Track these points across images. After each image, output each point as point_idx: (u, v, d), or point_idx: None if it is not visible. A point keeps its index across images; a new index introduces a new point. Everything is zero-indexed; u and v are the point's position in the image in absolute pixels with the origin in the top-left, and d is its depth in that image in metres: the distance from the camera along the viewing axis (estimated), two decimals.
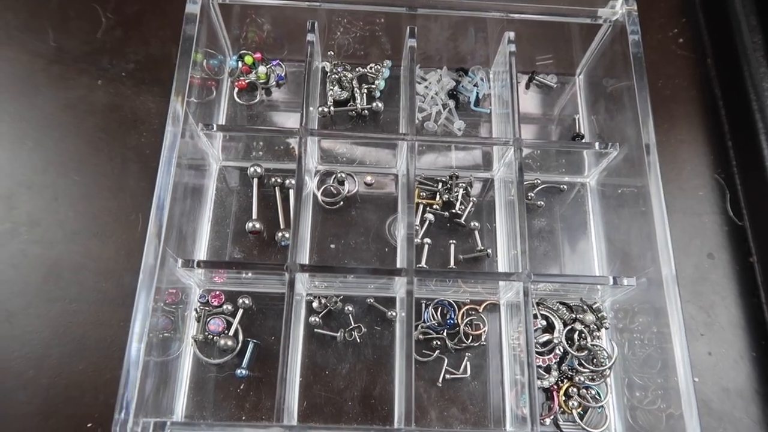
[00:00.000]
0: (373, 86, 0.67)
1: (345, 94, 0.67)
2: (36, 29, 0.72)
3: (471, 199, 0.63)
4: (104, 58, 0.71)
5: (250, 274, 0.57)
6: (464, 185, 0.63)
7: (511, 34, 0.65)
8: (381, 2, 0.62)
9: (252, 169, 0.63)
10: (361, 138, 0.60)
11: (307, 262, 0.60)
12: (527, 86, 0.71)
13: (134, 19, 0.73)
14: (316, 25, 0.63)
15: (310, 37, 0.63)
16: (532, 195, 0.64)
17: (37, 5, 0.73)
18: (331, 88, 0.67)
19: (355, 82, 0.67)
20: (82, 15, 0.73)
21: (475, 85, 0.68)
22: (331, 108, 0.66)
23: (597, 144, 0.60)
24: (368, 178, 0.64)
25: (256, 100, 0.67)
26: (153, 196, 0.62)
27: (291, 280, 0.52)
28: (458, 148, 0.66)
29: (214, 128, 0.58)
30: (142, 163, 0.66)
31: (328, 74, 0.68)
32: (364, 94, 0.67)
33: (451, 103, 0.67)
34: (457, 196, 0.63)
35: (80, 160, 0.66)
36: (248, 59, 0.67)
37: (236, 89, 0.68)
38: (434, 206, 0.63)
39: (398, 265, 0.60)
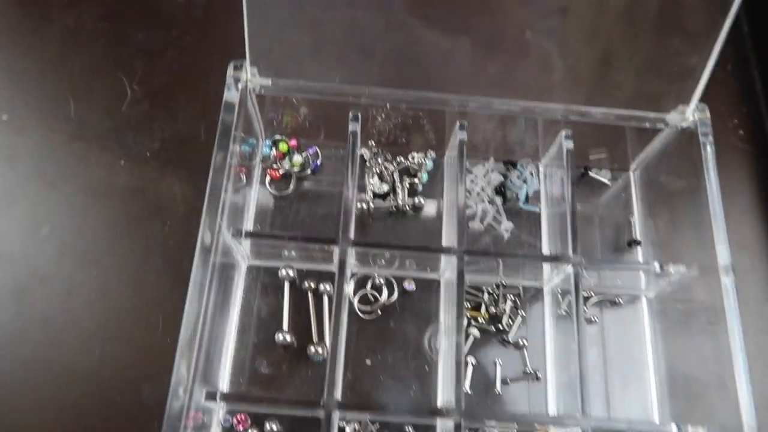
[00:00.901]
0: (416, 180, 0.64)
1: (385, 187, 0.64)
2: (58, 100, 0.69)
3: (520, 312, 0.60)
4: (128, 135, 0.68)
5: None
6: (513, 297, 0.60)
7: (567, 131, 0.61)
8: (429, 101, 0.58)
9: (284, 272, 0.60)
10: (404, 249, 0.56)
11: (341, 379, 0.57)
12: (577, 181, 0.68)
13: (162, 91, 0.71)
14: (359, 116, 0.60)
15: (352, 127, 0.60)
16: (585, 309, 0.61)
17: (59, 72, 0.71)
18: (371, 180, 0.64)
19: (396, 174, 0.64)
20: (106, 85, 0.70)
21: (524, 181, 0.65)
22: (370, 203, 0.63)
23: (656, 265, 0.57)
24: (408, 284, 0.61)
25: (289, 190, 0.64)
26: (175, 293, 0.60)
27: (327, 415, 0.49)
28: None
29: (243, 235, 0.55)
30: (165, 256, 0.63)
31: (367, 163, 0.65)
32: (406, 188, 0.64)
33: (498, 201, 0.64)
34: (505, 309, 0.59)
35: (98, 251, 0.62)
36: (283, 146, 0.64)
37: (268, 177, 0.65)
38: (479, 319, 0.59)
39: (440, 392, 0.57)
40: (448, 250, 0.56)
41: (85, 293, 0.61)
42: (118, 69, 0.71)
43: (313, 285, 0.60)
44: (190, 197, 0.65)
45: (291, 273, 0.60)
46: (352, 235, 0.55)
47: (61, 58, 0.72)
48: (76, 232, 0.63)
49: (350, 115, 0.59)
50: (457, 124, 0.59)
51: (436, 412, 0.51)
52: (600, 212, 0.66)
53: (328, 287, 0.60)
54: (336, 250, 0.56)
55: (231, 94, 0.56)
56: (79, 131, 0.68)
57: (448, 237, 0.62)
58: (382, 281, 0.60)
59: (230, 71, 0.55)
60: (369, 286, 0.61)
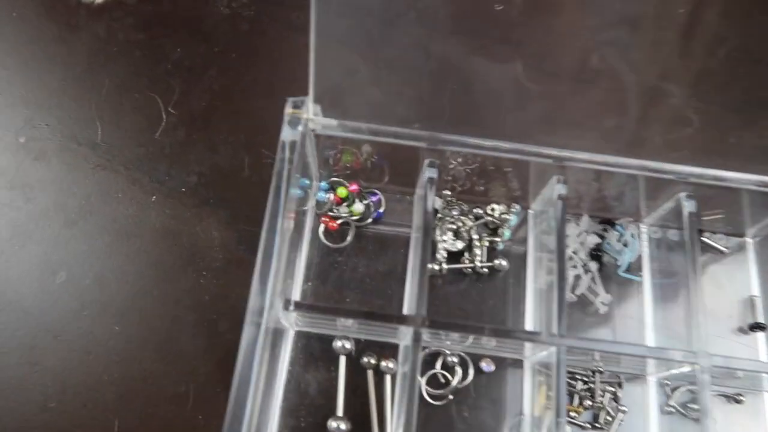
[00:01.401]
0: (497, 239, 0.55)
1: (460, 245, 0.55)
2: (83, 122, 0.62)
3: (621, 408, 0.51)
4: (161, 166, 0.60)
5: None
6: (612, 390, 0.51)
7: (688, 191, 0.52)
8: (520, 151, 0.50)
9: (339, 344, 0.51)
10: (489, 332, 0.47)
11: None
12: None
13: (201, 116, 0.63)
14: (437, 163, 0.51)
15: (430, 173, 0.51)
16: (696, 405, 0.52)
17: (86, 89, 0.63)
18: (444, 236, 0.55)
19: (474, 232, 0.55)
20: (138, 107, 0.62)
21: (624, 245, 0.56)
22: (443, 264, 0.54)
23: None
24: (486, 365, 0.52)
25: (346, 242, 0.56)
26: (209, 360, 0.52)
27: None
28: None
29: (292, 307, 0.46)
30: (199, 314, 0.54)
31: (440, 215, 0.56)
32: (485, 247, 0.55)
33: (594, 266, 0.55)
34: (603, 402, 0.50)
35: (122, 304, 0.54)
36: (342, 192, 0.56)
37: (322, 226, 0.56)
38: (571, 413, 0.50)
39: None
40: (538, 336, 0.47)
41: (105, 353, 0.53)
42: (153, 89, 0.63)
43: (373, 361, 0.51)
44: (230, 243, 0.57)
45: (348, 345, 0.51)
46: (424, 310, 0.47)
47: (88, 72, 0.64)
48: (97, 281, 0.55)
49: (426, 162, 0.51)
50: (554, 178, 0.51)
51: None
52: (714, 284, 0.57)
53: (391, 365, 0.51)
54: (403, 330, 0.48)
55: (290, 134, 0.48)
56: (105, 159, 0.60)
57: (537, 314, 0.54)
58: (454, 360, 0.52)
59: (288, 108, 0.47)
60: (439, 364, 0.52)
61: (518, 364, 0.53)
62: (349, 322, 0.50)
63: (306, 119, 0.47)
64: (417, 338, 0.46)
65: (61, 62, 0.65)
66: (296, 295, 0.54)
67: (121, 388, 0.52)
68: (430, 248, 0.49)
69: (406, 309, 0.53)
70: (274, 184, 0.46)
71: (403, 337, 0.51)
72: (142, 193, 0.59)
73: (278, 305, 0.46)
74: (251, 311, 0.43)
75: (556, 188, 0.50)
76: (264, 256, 0.44)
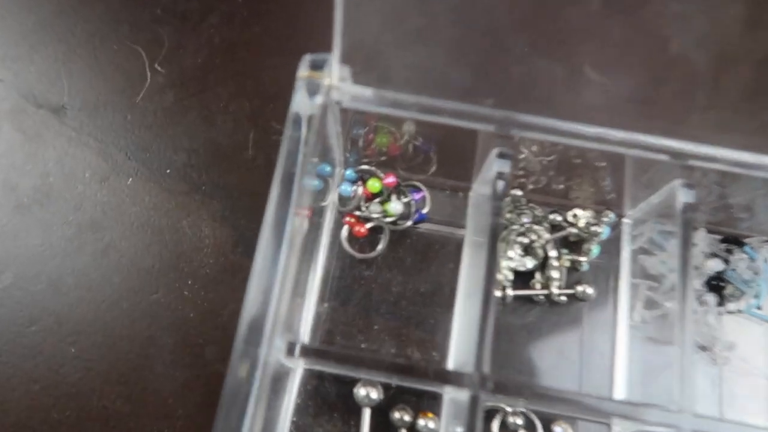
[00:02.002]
0: (581, 258, 0.42)
1: (531, 264, 0.42)
2: (46, 79, 0.49)
3: None
4: (141, 140, 0.47)
5: None
6: None
7: None
8: (626, 143, 0.36)
9: (363, 393, 0.39)
10: (578, 408, 0.34)
11: None
12: None
13: (195, 77, 0.49)
14: (509, 154, 0.38)
15: (500, 166, 0.38)
16: None
17: (52, 41, 0.51)
18: (508, 251, 0.42)
19: (551, 247, 0.42)
20: (116, 63, 0.49)
21: (755, 273, 0.42)
22: (507, 289, 0.41)
23: None
24: (562, 429, 0.39)
25: (377, 252, 0.43)
26: (191, 394, 0.40)
27: None
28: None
29: (298, 352, 0.34)
30: (180, 336, 0.42)
31: (504, 222, 0.43)
32: (564, 268, 0.42)
33: (712, 300, 0.42)
34: None
35: (82, 319, 0.42)
36: (374, 185, 0.43)
37: (346, 229, 0.44)
38: None
39: None
40: (650, 412, 0.34)
41: (56, 383, 0.40)
42: (136, 39, 0.50)
43: (408, 417, 0.39)
44: (224, 244, 0.45)
45: (374, 395, 0.39)
46: (487, 366, 0.34)
47: (56, 16, 0.51)
48: (51, 286, 0.42)
49: (495, 151, 0.37)
50: (678, 181, 0.37)
51: None
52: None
53: (432, 425, 0.39)
54: (451, 392, 0.35)
55: (305, 105, 0.35)
56: (71, 128, 0.47)
57: (635, 365, 0.41)
58: (518, 421, 0.39)
59: (304, 69, 0.34)
60: (496, 425, 0.40)
61: (605, 429, 0.40)
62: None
63: (328, 86, 0.34)
64: (474, 405, 0.33)
65: (23, 2, 0.52)
66: (308, 320, 0.42)
67: (74, 430, 0.40)
68: (495, 270, 0.36)
69: (456, 358, 0.40)
70: (281, 170, 0.34)
71: (450, 389, 0.38)
72: (115, 173, 0.47)
73: (279, 345, 0.34)
74: (241, 343, 0.31)
75: (679, 194, 0.36)
76: (263, 268, 0.32)
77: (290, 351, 0.33)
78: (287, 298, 0.34)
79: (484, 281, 0.35)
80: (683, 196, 0.36)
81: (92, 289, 0.43)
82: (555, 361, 0.42)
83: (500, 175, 0.37)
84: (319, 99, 0.33)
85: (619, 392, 0.42)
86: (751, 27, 0.34)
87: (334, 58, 0.34)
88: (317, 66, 0.35)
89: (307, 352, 0.33)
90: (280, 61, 0.51)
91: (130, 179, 0.46)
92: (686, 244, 0.37)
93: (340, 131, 0.41)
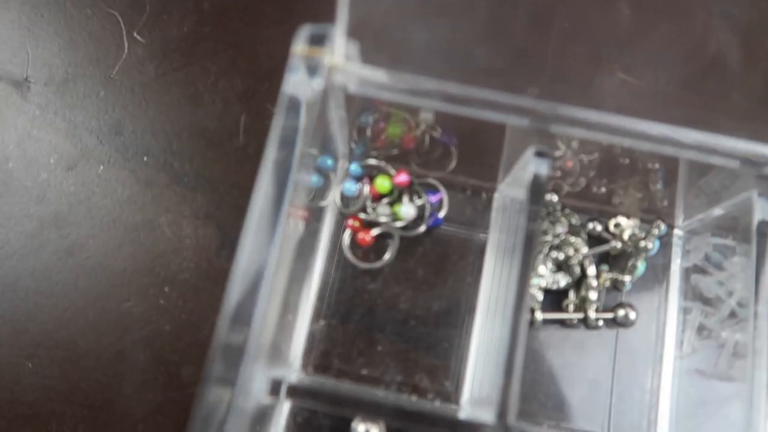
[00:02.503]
0: (625, 277, 0.36)
1: (564, 282, 0.36)
2: (7, 48, 0.42)
3: None
4: (116, 120, 0.42)
5: None
6: None
7: None
8: (687, 145, 0.29)
9: (361, 428, 0.34)
10: None
11: None
12: None
13: (180, 48, 0.43)
14: (548, 153, 0.32)
15: (538, 167, 0.31)
16: None
17: (13, 3, 0.45)
18: (539, 268, 0.36)
19: (589, 262, 0.36)
20: (89, 30, 0.43)
21: None
22: (538, 314, 0.35)
23: None
24: None
25: (384, 261, 0.38)
26: (159, 429, 0.35)
27: None
28: None
29: (282, 394, 0.28)
30: (154, 352, 0.36)
31: (540, 233, 0.36)
32: (603, 288, 0.36)
33: None
34: None
35: (41, 329, 0.37)
36: (382, 184, 0.37)
37: (349, 234, 0.38)
38: None
39: None
40: None
41: (9, 403, 0.35)
42: (113, 2, 0.44)
43: None
44: (207, 246, 0.39)
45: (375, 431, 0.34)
46: (513, 414, 0.28)
47: None
48: (7, 290, 0.37)
49: (532, 150, 0.31)
50: (754, 192, 0.31)
51: None
52: None
53: None
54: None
55: (299, 85, 0.28)
56: (34, 105, 0.41)
57: (682, 406, 0.35)
58: None
59: (300, 44, 0.28)
60: None
61: None
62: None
63: (331, 66, 0.28)
64: None
65: None
66: (300, 340, 0.36)
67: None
68: (528, 287, 0.30)
69: (476, 388, 0.34)
70: (271, 161, 0.28)
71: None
72: (84, 159, 0.41)
73: (260, 384, 0.28)
74: (212, 378, 0.26)
75: (757, 210, 0.30)
76: (245, 279, 0.26)
77: (274, 391, 0.28)
78: (274, 318, 0.28)
79: (513, 303, 0.29)
80: (762, 212, 0.30)
81: (54, 295, 0.38)
82: (588, 394, 0.36)
83: (537, 178, 0.31)
84: (317, 82, 0.27)
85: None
86: None
87: (339, 31, 0.28)
88: (318, 40, 0.29)
89: (296, 392, 0.28)
90: (278, 32, 0.44)
91: (102, 167, 0.40)
92: (762, 263, 0.31)
93: (344, 117, 0.35)
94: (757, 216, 0.30)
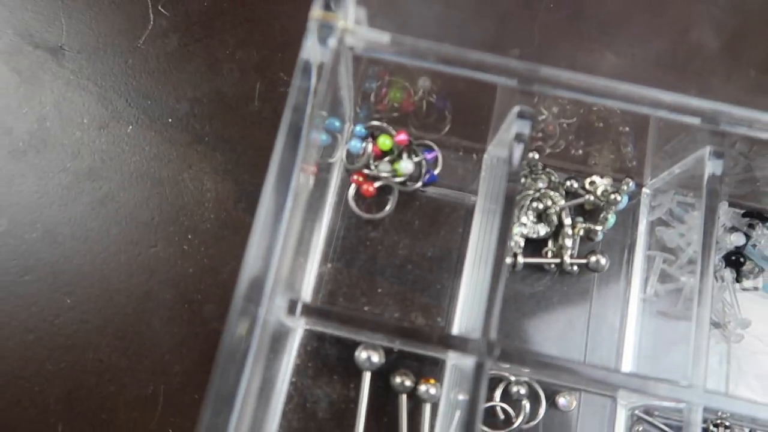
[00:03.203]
0: (597, 227, 0.40)
1: (543, 231, 0.40)
2: (44, 18, 0.46)
3: None
4: (143, 86, 0.45)
5: None
6: None
7: None
8: (656, 102, 0.33)
9: (364, 356, 0.38)
10: (585, 381, 0.33)
11: None
12: None
13: (201, 21, 0.46)
14: (530, 113, 0.36)
15: (520, 126, 0.35)
16: None
17: None
18: (522, 216, 0.40)
19: (565, 214, 0.40)
20: (117, 3, 0.47)
21: None
22: (519, 256, 0.40)
23: None
24: (564, 401, 0.38)
25: (385, 213, 0.42)
26: (188, 355, 0.39)
27: None
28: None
29: (299, 311, 0.33)
30: (178, 292, 0.41)
31: (522, 188, 0.41)
32: (578, 237, 0.40)
33: (729, 276, 0.40)
34: None
35: (78, 270, 0.41)
36: (385, 142, 0.41)
37: (353, 188, 0.42)
38: None
39: None
40: (662, 387, 0.32)
41: (50, 335, 0.39)
42: None
43: (409, 382, 0.38)
44: (226, 199, 0.43)
45: (375, 359, 0.38)
46: (494, 332, 0.32)
47: None
48: (46, 235, 0.41)
49: (515, 110, 0.35)
50: (707, 149, 0.35)
51: None
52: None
53: (433, 390, 0.38)
54: (455, 359, 0.34)
55: (317, 50, 0.32)
56: (69, 71, 0.45)
57: (646, 340, 0.39)
58: (521, 390, 0.38)
59: (317, 9, 0.32)
60: (498, 394, 0.39)
61: (609, 403, 0.39)
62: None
63: (342, 29, 0.32)
64: (479, 372, 0.32)
65: None
66: (310, 280, 0.40)
67: (68, 383, 0.39)
68: (509, 237, 0.34)
69: (463, 323, 0.39)
70: (287, 122, 0.32)
71: (455, 355, 0.37)
72: (114, 120, 0.44)
73: (280, 304, 0.33)
74: (240, 300, 0.29)
75: (708, 165, 0.34)
76: (265, 224, 0.30)
77: (291, 310, 0.32)
78: (290, 257, 0.32)
79: (496, 248, 0.33)
80: (711, 167, 0.34)
81: (89, 240, 0.42)
82: (563, 331, 0.41)
83: (519, 137, 0.35)
84: (332, 42, 0.31)
85: (627, 366, 0.41)
86: None
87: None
88: (331, 7, 0.33)
89: (309, 311, 0.32)
90: (292, 7, 0.48)
91: (130, 127, 0.44)
92: (710, 216, 0.35)
93: (351, 84, 0.39)
94: (708, 170, 0.34)
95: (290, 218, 0.32)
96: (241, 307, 0.30)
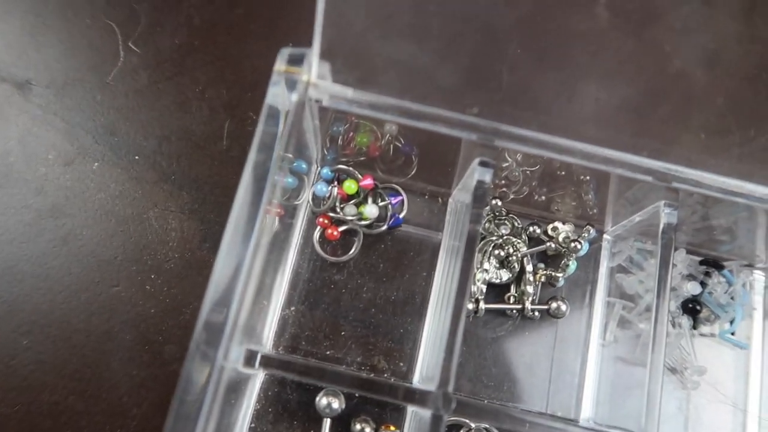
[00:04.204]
0: (558, 274, 0.41)
1: (506, 276, 0.41)
2: (12, 52, 0.46)
3: None
4: (111, 122, 0.45)
5: None
6: None
7: None
8: (612, 162, 0.34)
9: (324, 402, 0.37)
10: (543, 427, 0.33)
11: None
12: None
13: (171, 59, 0.46)
14: (492, 164, 0.36)
15: (482, 174, 0.36)
16: None
17: (19, 11, 0.47)
18: (485, 262, 0.40)
19: (528, 260, 0.40)
20: (88, 38, 0.46)
21: (732, 298, 0.41)
22: (481, 302, 0.40)
23: None
24: None
25: (349, 256, 0.41)
26: (143, 401, 0.38)
27: None
28: None
29: (257, 363, 0.32)
30: (139, 333, 0.40)
31: (483, 232, 0.41)
32: (539, 283, 0.41)
33: (686, 322, 0.41)
34: None
35: (36, 310, 0.40)
36: (349, 186, 0.41)
37: (319, 231, 0.42)
38: None
39: None
40: None
41: (5, 376, 0.38)
42: (111, 14, 0.47)
43: (368, 430, 0.38)
44: (191, 239, 0.42)
45: (335, 404, 0.37)
46: (451, 385, 0.32)
47: None
48: (6, 273, 0.40)
49: (477, 160, 0.36)
50: (662, 202, 0.36)
51: None
52: None
53: None
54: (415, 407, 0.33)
55: (278, 98, 0.32)
56: (36, 105, 0.44)
57: (607, 386, 0.40)
58: None
59: (281, 63, 0.32)
60: None
61: None
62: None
63: (306, 83, 0.32)
64: (436, 423, 0.32)
65: None
66: (273, 323, 0.40)
67: (23, 425, 0.38)
68: (470, 283, 0.34)
69: (425, 368, 0.39)
70: (251, 165, 0.32)
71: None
72: (80, 157, 0.44)
73: (237, 354, 0.32)
74: (195, 349, 0.29)
75: (663, 216, 0.35)
76: (225, 271, 0.30)
77: (249, 361, 0.31)
78: (249, 303, 0.32)
79: (455, 294, 0.33)
80: (666, 217, 0.35)
81: (49, 278, 0.41)
82: (525, 376, 0.41)
83: (481, 184, 0.36)
84: (294, 96, 0.31)
85: (587, 411, 0.41)
86: (748, 43, 0.32)
87: (314, 53, 0.32)
88: (296, 60, 0.33)
89: (269, 362, 0.31)
90: (262, 47, 0.48)
91: (96, 164, 0.44)
92: (665, 264, 0.35)
93: (318, 127, 0.39)
94: (663, 220, 0.35)
95: (251, 263, 0.31)
96: (197, 356, 0.30)
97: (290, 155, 0.35)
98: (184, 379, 0.29)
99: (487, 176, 0.36)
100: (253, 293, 0.32)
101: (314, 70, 0.31)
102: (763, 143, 0.31)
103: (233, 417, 0.37)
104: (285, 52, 0.32)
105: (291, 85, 0.32)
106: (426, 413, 0.32)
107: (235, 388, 0.35)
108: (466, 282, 0.33)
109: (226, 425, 0.35)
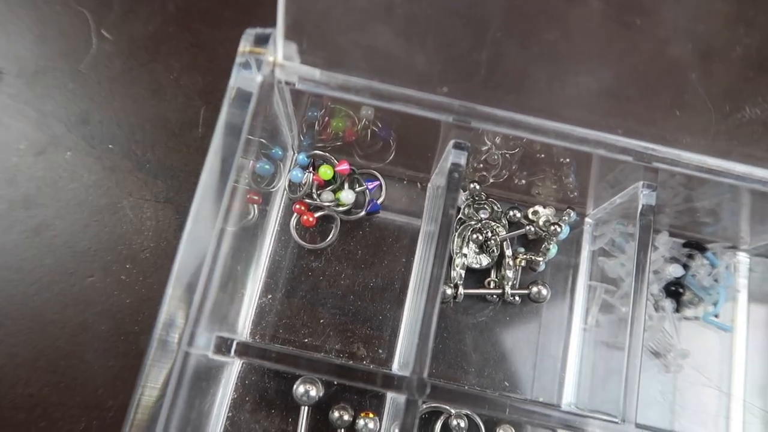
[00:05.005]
0: (539, 258, 0.40)
1: (486, 261, 0.40)
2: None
3: None
4: (83, 110, 0.44)
5: None
6: None
7: None
8: (590, 141, 0.33)
9: (302, 390, 0.37)
10: (519, 412, 0.32)
11: None
12: None
13: (145, 46, 0.45)
14: (466, 146, 0.35)
15: (456, 158, 0.35)
16: None
17: None
18: (463, 247, 0.39)
19: (507, 244, 0.40)
20: (60, 25, 0.45)
21: (715, 280, 0.40)
22: (460, 287, 0.39)
23: None
24: None
25: (327, 243, 0.41)
26: (119, 392, 0.38)
27: None
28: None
29: (232, 352, 0.32)
30: (114, 323, 0.39)
31: (461, 217, 0.40)
32: (520, 267, 0.40)
33: (669, 306, 0.40)
34: None
35: (9, 301, 0.39)
36: (326, 172, 0.40)
37: (295, 218, 0.41)
38: None
39: None
40: (592, 421, 0.32)
41: None
42: (82, 0, 0.47)
43: (347, 417, 0.37)
44: (166, 228, 0.42)
45: (313, 392, 0.37)
46: (426, 370, 0.32)
47: None
48: None
49: (451, 142, 0.35)
50: (640, 183, 0.35)
51: None
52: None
53: (371, 425, 0.37)
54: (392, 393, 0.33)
55: (244, 79, 0.31)
56: (6, 95, 0.43)
57: (587, 371, 0.39)
58: (461, 423, 0.37)
59: (244, 45, 0.31)
60: (439, 427, 0.38)
61: None
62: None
63: (273, 63, 0.32)
64: (412, 408, 0.31)
65: None
66: (250, 312, 0.39)
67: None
68: (445, 267, 0.34)
69: (403, 354, 0.38)
70: (217, 143, 0.31)
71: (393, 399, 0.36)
72: (53, 146, 0.43)
73: (205, 341, 0.31)
74: (156, 339, 0.28)
75: (641, 197, 0.34)
76: (190, 250, 0.29)
77: (221, 349, 0.31)
78: (215, 288, 0.31)
79: (429, 278, 0.33)
80: (644, 198, 0.34)
81: (22, 270, 0.40)
82: (506, 362, 0.40)
83: (456, 167, 0.35)
84: (259, 77, 0.30)
85: (568, 396, 0.40)
86: (731, 23, 0.32)
87: (279, 33, 0.31)
88: (261, 41, 0.32)
89: (244, 350, 0.31)
90: (237, 34, 0.45)
91: (69, 153, 0.43)
92: (644, 246, 0.35)
93: (293, 112, 0.38)
94: (641, 201, 0.34)
95: (217, 246, 0.31)
96: (159, 340, 0.29)
97: (262, 140, 0.35)
98: (146, 364, 0.29)
99: (462, 159, 0.35)
100: (220, 278, 0.32)
101: (280, 51, 0.30)
102: (738, 120, 0.30)
103: (206, 405, 0.36)
104: (251, 33, 0.31)
105: (258, 65, 0.32)
106: (401, 399, 0.32)
107: (206, 376, 0.34)
108: (441, 267, 0.33)
109: (198, 413, 0.35)
